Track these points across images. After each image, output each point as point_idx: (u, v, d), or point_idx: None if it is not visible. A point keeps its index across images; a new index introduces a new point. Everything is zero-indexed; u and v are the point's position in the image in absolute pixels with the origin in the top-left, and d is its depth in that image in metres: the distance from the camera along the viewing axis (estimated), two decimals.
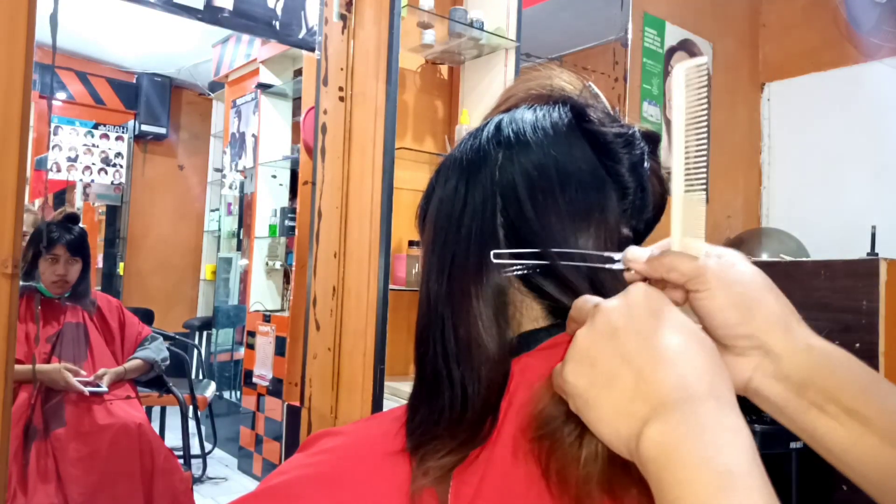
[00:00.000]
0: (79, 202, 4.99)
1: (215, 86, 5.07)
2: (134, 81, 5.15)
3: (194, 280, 5.36)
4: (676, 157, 0.45)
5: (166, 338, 2.97)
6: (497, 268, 0.52)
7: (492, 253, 0.51)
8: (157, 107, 5.15)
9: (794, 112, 3.33)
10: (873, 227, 2.65)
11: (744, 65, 3.38)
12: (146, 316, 4.07)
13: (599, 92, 0.59)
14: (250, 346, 3.81)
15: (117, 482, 2.21)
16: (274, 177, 4.10)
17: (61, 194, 4.94)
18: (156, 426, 2.95)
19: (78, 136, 4.98)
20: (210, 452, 3.86)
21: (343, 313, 2.18)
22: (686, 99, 0.44)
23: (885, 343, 2.22)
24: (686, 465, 0.35)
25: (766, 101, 3.43)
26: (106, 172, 5.10)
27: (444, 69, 2.58)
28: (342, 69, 2.27)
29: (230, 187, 4.56)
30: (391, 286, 2.05)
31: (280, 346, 3.52)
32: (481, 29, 2.30)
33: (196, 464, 3.55)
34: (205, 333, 4.81)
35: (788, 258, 2.77)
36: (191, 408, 3.30)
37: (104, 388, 2.30)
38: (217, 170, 5.14)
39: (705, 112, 0.44)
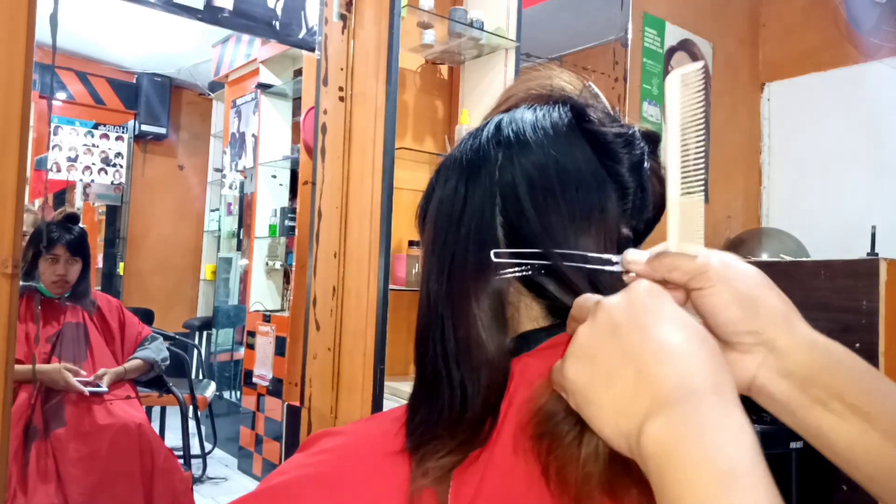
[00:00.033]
0: (79, 202, 4.99)
1: (215, 86, 5.07)
2: (134, 81, 5.15)
3: (194, 280, 5.36)
4: (672, 163, 0.44)
5: (166, 338, 2.97)
6: (497, 268, 0.52)
7: (492, 253, 0.51)
8: (157, 107, 5.14)
9: (793, 112, 3.33)
10: (873, 227, 2.65)
11: (744, 65, 3.38)
12: (146, 316, 4.07)
13: (599, 92, 0.59)
14: (250, 346, 3.81)
15: (117, 482, 2.21)
16: (274, 177, 4.10)
17: (61, 194, 4.93)
18: (156, 426, 2.95)
19: (78, 136, 4.98)
20: (210, 452, 3.86)
21: (343, 313, 2.18)
22: (682, 103, 0.44)
23: (885, 343, 2.22)
24: (687, 464, 0.34)
25: (766, 101, 3.43)
26: (106, 172, 5.10)
27: (444, 69, 2.58)
28: (342, 69, 2.27)
29: (230, 187, 4.56)
30: (391, 286, 2.04)
31: (280, 346, 3.52)
32: (481, 29, 2.30)
33: (196, 464, 3.55)
34: (205, 333, 4.81)
35: (788, 258, 2.77)
36: (191, 408, 3.30)
37: (104, 388, 2.30)
38: (217, 170, 5.14)
39: (703, 116, 0.44)
